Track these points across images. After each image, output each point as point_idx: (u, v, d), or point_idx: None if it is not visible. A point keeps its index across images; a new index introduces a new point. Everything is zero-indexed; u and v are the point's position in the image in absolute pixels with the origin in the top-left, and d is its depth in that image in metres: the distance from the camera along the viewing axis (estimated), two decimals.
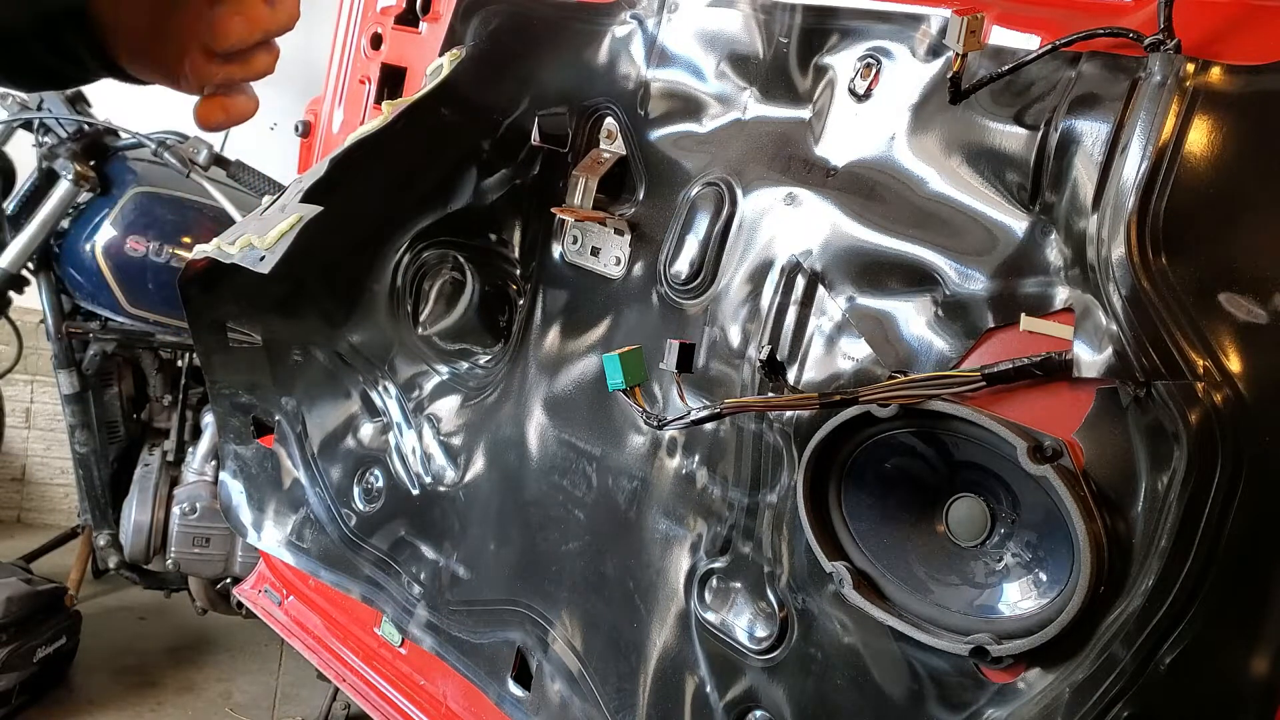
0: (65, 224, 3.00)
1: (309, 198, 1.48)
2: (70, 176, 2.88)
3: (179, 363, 3.20)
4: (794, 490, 1.23)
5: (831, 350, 1.23)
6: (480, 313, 1.72)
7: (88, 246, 2.96)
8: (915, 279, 1.17)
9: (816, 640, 1.25)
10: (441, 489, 1.72)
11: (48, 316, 3.03)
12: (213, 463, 2.99)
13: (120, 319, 3.03)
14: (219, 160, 2.86)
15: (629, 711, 1.43)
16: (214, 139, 2.89)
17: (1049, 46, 1.04)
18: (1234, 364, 0.93)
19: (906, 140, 1.19)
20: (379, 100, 1.83)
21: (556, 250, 1.58)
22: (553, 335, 1.58)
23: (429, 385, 1.77)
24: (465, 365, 1.75)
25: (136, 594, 3.46)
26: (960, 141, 1.14)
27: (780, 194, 1.30)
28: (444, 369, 1.76)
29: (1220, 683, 0.96)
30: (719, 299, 1.35)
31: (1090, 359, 1.01)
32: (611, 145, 1.50)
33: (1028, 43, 1.11)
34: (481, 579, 1.66)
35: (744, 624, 1.32)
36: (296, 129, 2.08)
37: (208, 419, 3.11)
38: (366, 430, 1.83)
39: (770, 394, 1.24)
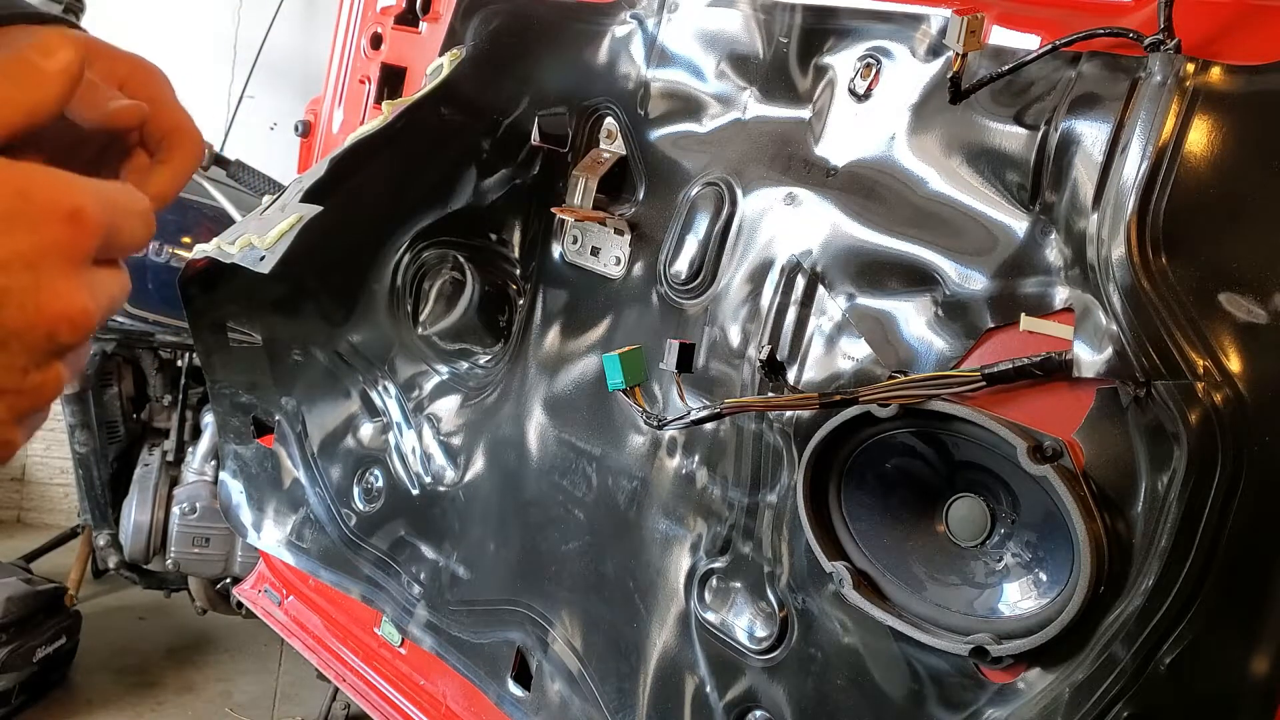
0: None
1: (309, 198, 1.48)
2: None
3: (179, 363, 3.19)
4: (794, 490, 1.23)
5: (831, 350, 1.23)
6: (480, 312, 1.72)
7: None
8: (915, 279, 1.17)
9: (816, 640, 1.25)
10: (441, 489, 1.72)
11: None
12: (213, 463, 2.98)
13: (120, 319, 3.02)
14: (219, 160, 2.85)
15: (629, 711, 1.43)
16: (214, 139, 2.89)
17: (1049, 46, 1.04)
18: (1234, 364, 0.93)
19: (906, 140, 1.19)
20: (379, 100, 1.83)
21: (556, 250, 1.58)
22: (553, 335, 1.58)
23: (429, 385, 1.77)
24: (465, 365, 1.75)
25: (136, 594, 3.46)
26: (960, 141, 1.14)
27: (780, 194, 1.30)
28: (444, 369, 1.76)
29: (1220, 683, 0.96)
30: (719, 299, 1.35)
31: (1090, 359, 1.01)
32: (611, 145, 1.50)
33: (1028, 43, 1.11)
34: (481, 579, 1.65)
35: (744, 624, 1.32)
36: (296, 129, 2.08)
37: (208, 419, 3.10)
38: (366, 430, 1.83)
39: (770, 394, 1.24)
